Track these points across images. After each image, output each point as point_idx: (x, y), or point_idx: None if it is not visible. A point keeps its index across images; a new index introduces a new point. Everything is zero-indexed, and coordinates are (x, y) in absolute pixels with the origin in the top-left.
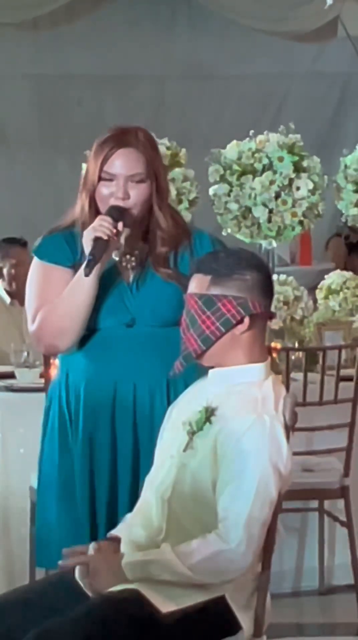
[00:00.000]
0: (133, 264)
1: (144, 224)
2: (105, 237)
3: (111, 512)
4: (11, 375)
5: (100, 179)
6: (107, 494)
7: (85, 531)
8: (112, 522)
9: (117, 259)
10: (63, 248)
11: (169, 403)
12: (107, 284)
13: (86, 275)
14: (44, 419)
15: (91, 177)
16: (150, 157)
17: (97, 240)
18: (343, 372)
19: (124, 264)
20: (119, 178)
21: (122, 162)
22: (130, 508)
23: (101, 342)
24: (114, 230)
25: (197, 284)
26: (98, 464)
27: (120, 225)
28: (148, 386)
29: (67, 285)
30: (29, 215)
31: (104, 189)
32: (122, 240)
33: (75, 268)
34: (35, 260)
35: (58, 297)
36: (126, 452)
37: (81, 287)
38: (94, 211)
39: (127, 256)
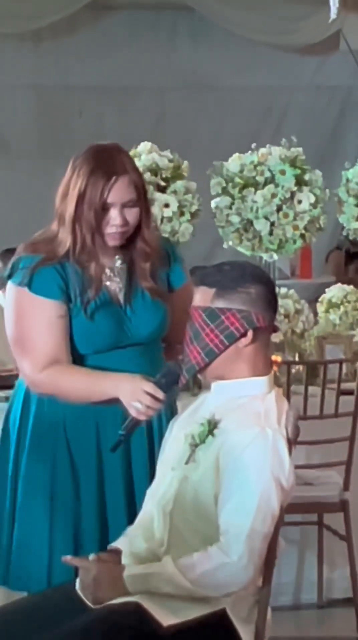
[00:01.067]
0: (122, 283)
1: (130, 239)
2: (142, 419)
3: (100, 530)
4: (11, 386)
5: (89, 201)
6: (96, 510)
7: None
8: (102, 542)
9: (108, 273)
10: (57, 282)
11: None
12: (104, 309)
13: (111, 451)
14: (16, 437)
15: (93, 206)
16: (138, 180)
17: (136, 422)
18: (344, 385)
19: (114, 287)
20: (116, 206)
21: (118, 192)
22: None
23: (94, 365)
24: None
25: (201, 297)
26: (84, 479)
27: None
28: None
29: (58, 318)
30: (29, 225)
31: (98, 218)
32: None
33: (66, 302)
34: (28, 294)
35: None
36: (115, 466)
37: (98, 394)
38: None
39: (107, 271)
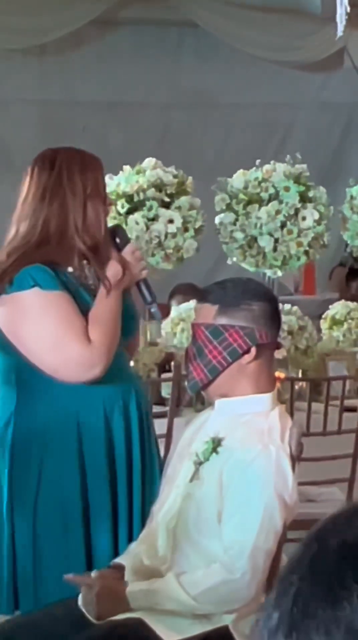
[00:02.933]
0: (92, 282)
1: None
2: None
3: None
4: None
5: (94, 200)
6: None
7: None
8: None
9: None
10: (52, 275)
11: (140, 414)
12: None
13: (157, 318)
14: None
15: (103, 195)
16: None
17: (144, 282)
18: (347, 402)
19: (93, 287)
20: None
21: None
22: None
23: None
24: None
25: (204, 314)
26: (68, 487)
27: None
28: (122, 405)
29: (74, 306)
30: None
31: (103, 214)
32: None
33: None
34: (40, 292)
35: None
36: (99, 473)
37: (116, 303)
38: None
39: (90, 279)
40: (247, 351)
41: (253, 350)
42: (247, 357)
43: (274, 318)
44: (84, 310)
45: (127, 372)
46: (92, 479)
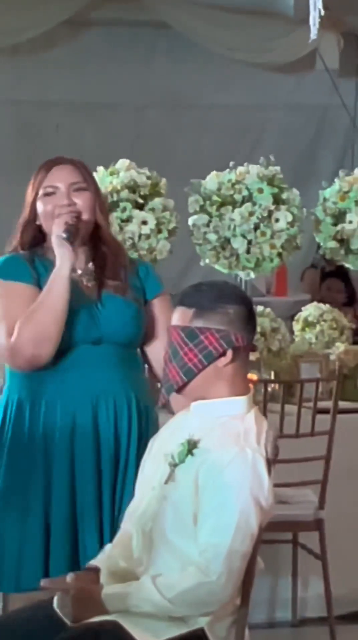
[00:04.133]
0: (92, 282)
1: (92, 241)
2: (71, 221)
3: (69, 530)
4: None
5: (37, 197)
6: (66, 510)
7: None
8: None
9: (79, 272)
10: (24, 266)
11: (130, 422)
12: (75, 302)
13: (68, 240)
14: None
15: (27, 201)
16: (87, 173)
17: (66, 224)
18: (320, 404)
19: (85, 282)
20: (61, 188)
21: (61, 174)
22: (81, 526)
23: (69, 360)
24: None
25: (180, 317)
26: (57, 485)
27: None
28: (113, 405)
29: (31, 300)
30: (6, 240)
31: (47, 205)
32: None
33: (38, 286)
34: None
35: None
36: (86, 473)
37: (57, 287)
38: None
39: (79, 271)
40: (223, 354)
41: (229, 353)
42: (223, 360)
43: (250, 321)
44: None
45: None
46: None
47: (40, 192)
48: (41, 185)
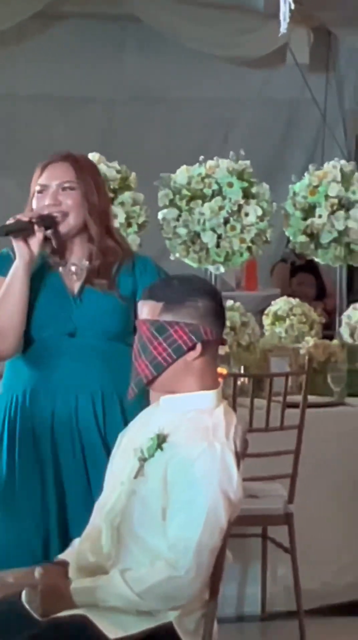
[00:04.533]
0: (77, 275)
1: (84, 236)
2: (25, 219)
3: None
4: None
5: (33, 195)
6: (40, 503)
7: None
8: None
9: (74, 269)
10: (8, 260)
11: (104, 415)
12: (52, 293)
13: (25, 230)
14: None
15: (29, 198)
16: (81, 170)
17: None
18: (290, 398)
19: (71, 275)
20: (52, 186)
21: (53, 172)
22: (60, 519)
23: (42, 351)
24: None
25: (149, 310)
26: (33, 477)
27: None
28: (90, 398)
29: None
30: None
31: (39, 204)
32: (36, 246)
33: None
34: None
35: None
36: (69, 463)
37: (13, 282)
38: None
39: (73, 267)
40: (192, 348)
41: (199, 347)
42: (192, 354)
43: (219, 315)
44: (45, 294)
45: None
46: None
47: (36, 190)
48: (36, 183)
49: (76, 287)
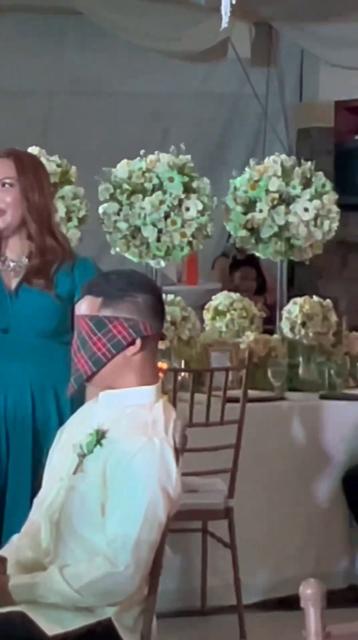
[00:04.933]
0: (15, 271)
1: (24, 233)
2: None
3: None
4: None
5: None
6: None
7: None
8: None
9: (12, 265)
10: None
11: (34, 411)
12: None
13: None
14: None
15: None
16: (22, 167)
17: None
18: (230, 393)
19: (9, 271)
20: None
21: None
22: None
23: None
24: None
25: (88, 306)
26: None
27: None
28: (20, 394)
29: None
30: None
31: None
32: None
33: None
34: None
35: None
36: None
37: None
38: None
39: (12, 264)
40: (132, 343)
41: (138, 342)
42: (132, 349)
43: (158, 310)
44: None
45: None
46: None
47: None
48: None
49: (13, 284)
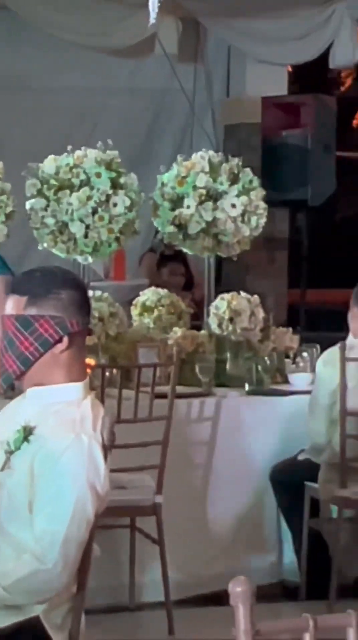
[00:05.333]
0: None
1: None
2: None
3: None
4: None
5: None
6: None
7: None
8: None
9: None
10: None
11: None
12: None
13: None
14: None
15: None
16: None
17: None
18: (158, 389)
19: None
20: None
21: None
22: None
23: None
24: None
25: (13, 305)
26: None
27: None
28: None
29: None
30: None
31: None
32: None
33: None
34: None
35: None
36: None
37: None
38: None
39: None
40: (59, 340)
41: (65, 339)
42: (60, 347)
43: (84, 305)
44: None
45: None
46: None
47: None
48: None
49: None
